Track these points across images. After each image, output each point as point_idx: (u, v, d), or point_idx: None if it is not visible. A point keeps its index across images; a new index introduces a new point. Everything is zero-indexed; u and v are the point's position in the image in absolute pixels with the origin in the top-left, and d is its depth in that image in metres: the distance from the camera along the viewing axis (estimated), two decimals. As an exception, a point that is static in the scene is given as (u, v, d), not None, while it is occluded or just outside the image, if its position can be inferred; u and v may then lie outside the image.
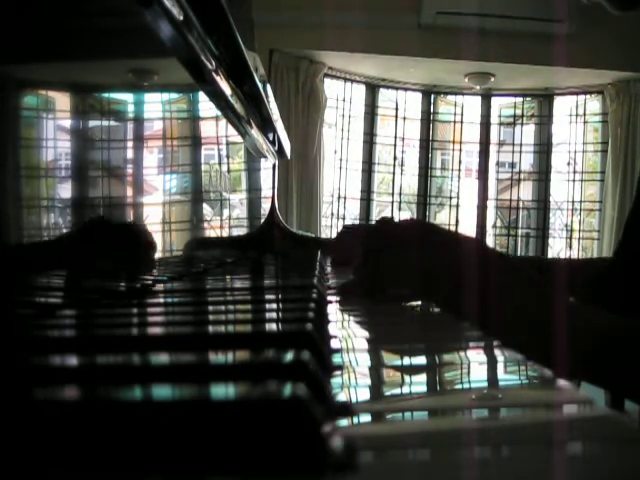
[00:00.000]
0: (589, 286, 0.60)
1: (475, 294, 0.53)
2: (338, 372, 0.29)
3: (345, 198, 4.24)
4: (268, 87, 1.39)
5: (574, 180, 4.32)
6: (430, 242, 0.58)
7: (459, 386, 0.30)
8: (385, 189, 4.44)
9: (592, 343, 0.50)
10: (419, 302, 0.62)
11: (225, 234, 1.15)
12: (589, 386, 0.50)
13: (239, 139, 1.21)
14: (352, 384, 0.28)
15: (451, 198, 4.43)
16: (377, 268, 0.60)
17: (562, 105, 4.35)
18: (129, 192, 0.64)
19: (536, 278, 0.55)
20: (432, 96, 4.36)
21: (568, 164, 4.35)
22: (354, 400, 0.25)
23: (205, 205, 0.99)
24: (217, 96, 0.92)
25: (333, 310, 0.53)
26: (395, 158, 4.37)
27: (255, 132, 1.25)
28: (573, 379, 0.51)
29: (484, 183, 4.40)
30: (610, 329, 0.50)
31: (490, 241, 4.42)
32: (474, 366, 0.34)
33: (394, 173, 4.37)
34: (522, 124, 4.40)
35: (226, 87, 0.91)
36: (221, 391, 0.20)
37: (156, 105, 0.75)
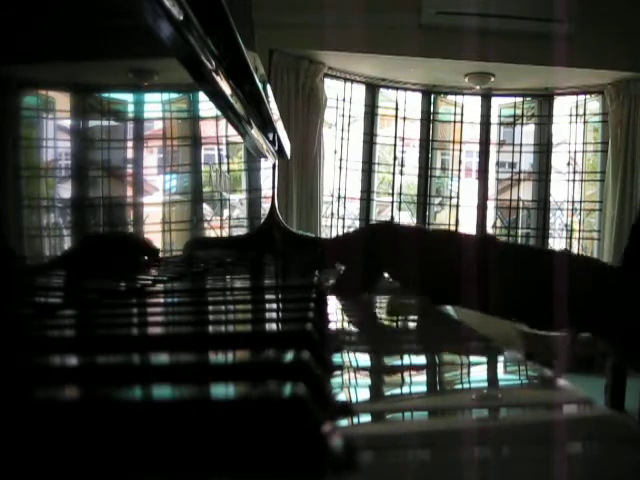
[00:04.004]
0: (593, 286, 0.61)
1: (471, 285, 0.55)
2: (338, 372, 0.29)
3: (345, 198, 4.24)
4: (268, 87, 1.39)
5: (574, 180, 4.32)
6: (426, 239, 0.61)
7: (459, 386, 0.30)
8: (385, 189, 4.44)
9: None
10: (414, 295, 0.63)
11: (225, 234, 1.15)
12: (589, 386, 0.51)
13: (239, 139, 1.20)
14: (352, 384, 0.28)
15: (451, 198, 4.43)
16: (372, 264, 0.61)
17: (562, 105, 4.35)
18: (129, 192, 0.64)
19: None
20: (432, 96, 4.36)
21: (568, 164, 4.35)
22: (354, 400, 0.25)
23: (205, 205, 0.99)
24: (217, 96, 0.92)
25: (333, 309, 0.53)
26: (395, 158, 4.36)
27: (255, 132, 1.24)
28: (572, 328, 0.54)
29: (484, 183, 4.40)
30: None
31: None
32: (474, 366, 0.34)
33: (394, 173, 4.37)
34: (522, 124, 4.40)
35: (226, 87, 0.91)
36: (221, 391, 0.20)
37: (156, 105, 0.75)
